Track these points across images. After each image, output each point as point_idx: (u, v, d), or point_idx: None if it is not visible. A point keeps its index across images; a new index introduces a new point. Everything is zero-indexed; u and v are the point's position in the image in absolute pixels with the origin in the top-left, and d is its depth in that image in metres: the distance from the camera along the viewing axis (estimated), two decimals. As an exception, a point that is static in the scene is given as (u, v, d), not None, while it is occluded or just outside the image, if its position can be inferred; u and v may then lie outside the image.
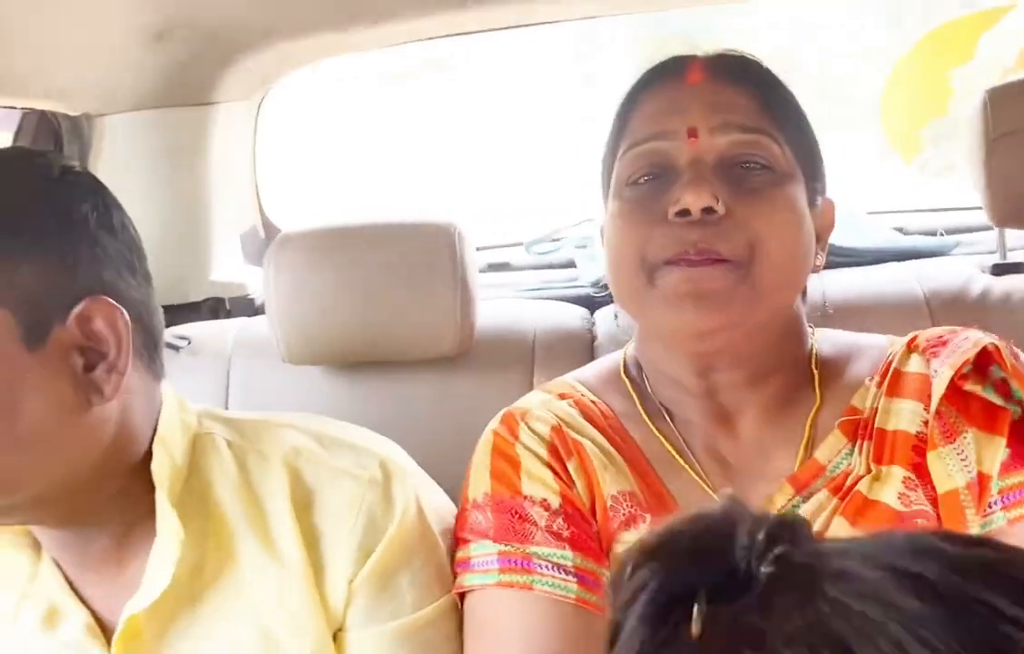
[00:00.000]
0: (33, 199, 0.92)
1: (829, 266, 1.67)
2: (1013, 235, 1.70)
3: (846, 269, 1.67)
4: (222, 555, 1.00)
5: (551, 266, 2.03)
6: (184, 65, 1.59)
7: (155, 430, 1.00)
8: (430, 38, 1.68)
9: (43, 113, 1.56)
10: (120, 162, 1.64)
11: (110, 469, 0.97)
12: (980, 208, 1.57)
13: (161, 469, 0.98)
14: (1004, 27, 2.73)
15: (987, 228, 1.70)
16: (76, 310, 0.91)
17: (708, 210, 0.94)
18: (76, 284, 0.92)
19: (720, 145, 0.98)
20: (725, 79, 1.01)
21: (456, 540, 1.05)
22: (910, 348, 1.04)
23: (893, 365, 1.03)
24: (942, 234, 1.94)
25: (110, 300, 0.93)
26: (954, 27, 2.93)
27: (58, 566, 1.02)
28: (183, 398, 1.07)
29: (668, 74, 1.04)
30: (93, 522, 0.98)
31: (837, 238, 1.73)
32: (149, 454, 0.99)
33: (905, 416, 0.99)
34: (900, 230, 2.00)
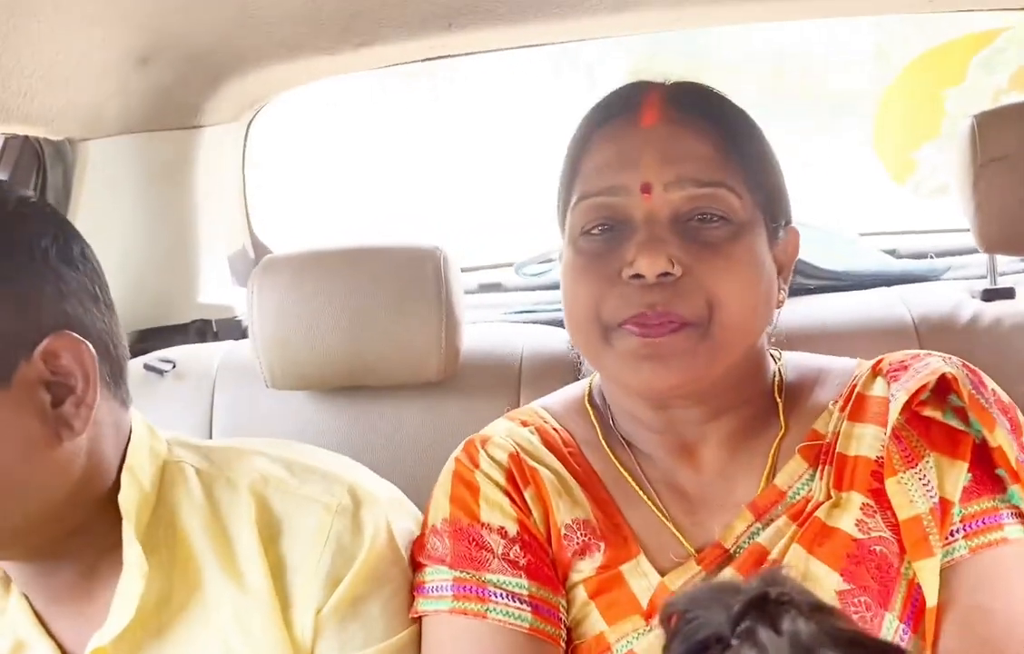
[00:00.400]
0: None
1: (817, 290, 1.69)
2: (1005, 259, 1.69)
3: (834, 294, 1.67)
4: (188, 585, 0.99)
5: (543, 287, 2.03)
6: (169, 89, 1.58)
7: (123, 458, 0.99)
8: (415, 61, 1.67)
9: (26, 137, 1.55)
10: (105, 186, 1.63)
11: (79, 501, 0.95)
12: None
13: (128, 500, 0.97)
14: (996, 49, 2.72)
15: (978, 251, 1.69)
16: (41, 346, 0.90)
17: (664, 273, 0.91)
18: (40, 320, 0.91)
19: (675, 200, 0.94)
20: (682, 121, 0.97)
21: (413, 563, 1.04)
22: (875, 371, 1.02)
23: (857, 389, 1.01)
24: (932, 257, 1.93)
25: (74, 335, 0.92)
26: (946, 49, 2.92)
27: (27, 600, 1.01)
28: (152, 425, 1.06)
29: (621, 114, 0.99)
30: (61, 555, 0.97)
31: (825, 261, 1.74)
32: (118, 484, 0.98)
33: (866, 441, 0.97)
34: (892, 252, 2.00)
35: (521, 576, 0.98)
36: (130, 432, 1.01)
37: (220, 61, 1.56)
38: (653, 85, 1.01)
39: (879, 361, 1.03)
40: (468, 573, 0.98)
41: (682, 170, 0.94)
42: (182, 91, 1.61)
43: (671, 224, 0.94)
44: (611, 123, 0.99)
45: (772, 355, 1.08)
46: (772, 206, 1.00)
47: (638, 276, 0.92)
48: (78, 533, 0.96)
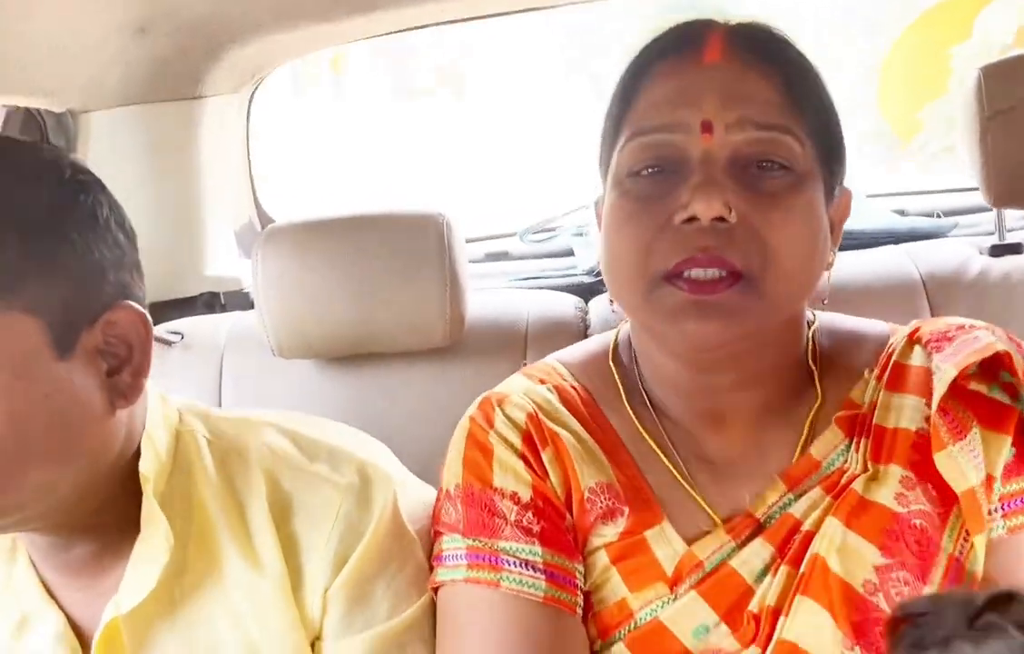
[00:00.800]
0: (60, 209, 0.88)
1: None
2: (1012, 215, 1.67)
3: (841, 253, 1.64)
4: (205, 558, 0.98)
5: (549, 254, 2.01)
6: (169, 59, 1.57)
7: (140, 431, 0.99)
8: (417, 27, 1.65)
9: (28, 109, 1.54)
10: (107, 158, 1.62)
11: (110, 471, 0.95)
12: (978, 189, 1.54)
13: (149, 469, 0.96)
14: (1001, 4, 2.68)
15: (986, 209, 1.67)
16: (104, 316, 0.90)
17: (719, 219, 0.87)
18: (103, 289, 0.91)
19: (736, 142, 0.89)
20: (746, 61, 0.91)
21: (433, 532, 1.03)
22: (912, 340, 0.99)
23: (894, 358, 0.98)
24: (939, 215, 1.92)
25: (134, 304, 0.93)
26: (951, 4, 2.88)
27: (35, 570, 1.00)
28: (164, 393, 1.05)
29: (682, 47, 0.93)
30: (81, 529, 0.97)
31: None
32: (135, 455, 0.97)
33: (906, 412, 0.95)
34: (900, 212, 1.98)
35: (535, 543, 0.96)
36: (145, 407, 1.01)
37: (218, 30, 1.55)
38: (716, 23, 0.95)
39: (916, 329, 1.00)
40: (481, 541, 0.97)
41: (745, 111, 0.89)
42: (182, 61, 1.60)
43: (729, 168, 0.89)
44: (671, 58, 0.94)
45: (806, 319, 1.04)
46: (832, 160, 0.95)
47: (692, 219, 0.87)
48: (97, 509, 0.96)
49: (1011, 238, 1.61)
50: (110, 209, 0.93)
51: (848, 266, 1.57)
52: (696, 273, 0.87)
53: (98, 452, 0.93)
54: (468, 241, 1.98)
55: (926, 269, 1.52)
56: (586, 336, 1.51)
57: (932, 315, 1.47)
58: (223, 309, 1.83)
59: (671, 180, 0.90)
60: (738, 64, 0.91)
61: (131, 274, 0.95)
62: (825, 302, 1.03)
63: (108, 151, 1.62)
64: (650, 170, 0.91)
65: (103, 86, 1.51)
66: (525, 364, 1.49)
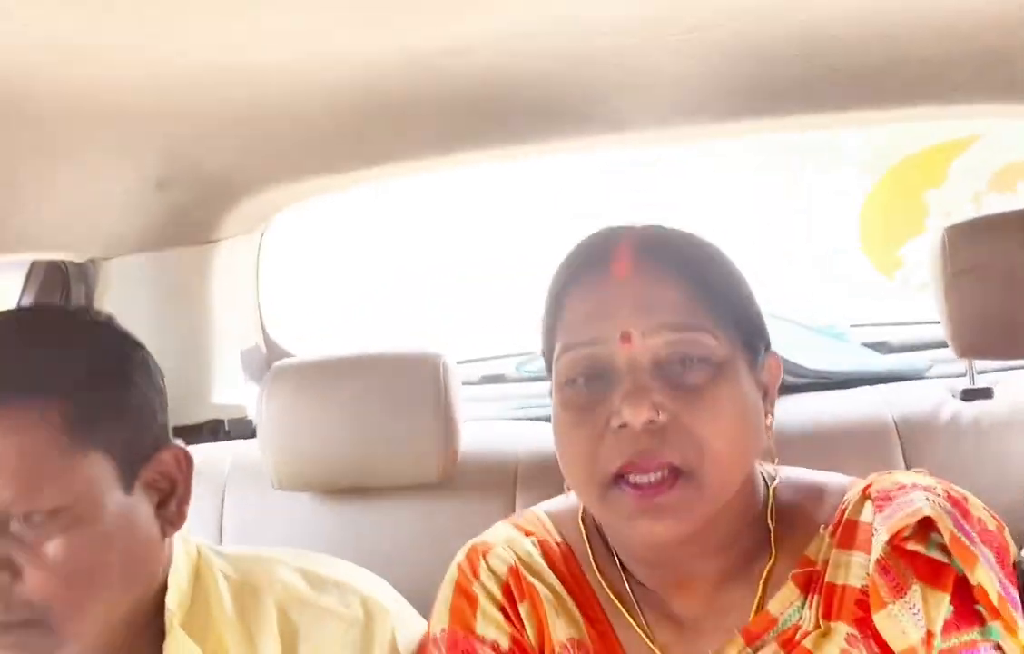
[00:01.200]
0: (123, 360, 1.02)
1: (798, 389, 1.72)
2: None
3: (816, 393, 1.69)
4: None
5: (544, 379, 2.05)
6: (185, 208, 1.64)
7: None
8: (417, 175, 1.75)
9: (51, 259, 1.62)
10: (125, 301, 1.69)
11: (143, 602, 1.03)
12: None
13: (174, 602, 1.04)
14: (973, 154, 2.78)
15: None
16: (157, 454, 1.01)
17: (651, 421, 0.92)
18: (155, 431, 1.02)
19: (654, 345, 0.95)
20: (652, 270, 0.98)
21: None
22: (864, 494, 1.03)
23: (846, 513, 1.02)
24: (920, 349, 1.95)
25: (179, 443, 1.05)
26: (926, 155, 2.98)
27: None
28: (182, 530, 1.12)
29: (595, 265, 1.00)
30: None
31: (810, 360, 1.77)
32: (161, 589, 1.05)
33: (853, 569, 0.98)
34: (883, 344, 2.02)
35: None
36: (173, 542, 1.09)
37: (232, 181, 1.64)
38: (623, 234, 1.02)
39: (869, 484, 1.03)
40: None
41: (658, 317, 0.95)
42: (197, 210, 1.68)
43: (653, 369, 0.94)
44: (586, 275, 1.00)
45: (764, 476, 1.08)
46: (749, 338, 1.01)
47: (625, 425, 0.93)
48: (126, 644, 1.03)
49: (981, 381, 1.63)
50: (153, 363, 1.06)
51: (823, 407, 1.62)
52: (639, 478, 0.93)
53: (152, 577, 1.02)
54: (463, 363, 2.04)
55: (899, 413, 1.55)
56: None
57: (904, 458, 1.50)
58: (227, 435, 1.88)
59: (603, 387, 0.95)
60: (647, 273, 0.97)
61: (165, 412, 1.07)
62: (775, 461, 1.08)
63: (125, 294, 1.70)
64: (583, 379, 0.97)
65: (122, 236, 1.59)
66: (515, 497, 1.55)
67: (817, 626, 0.97)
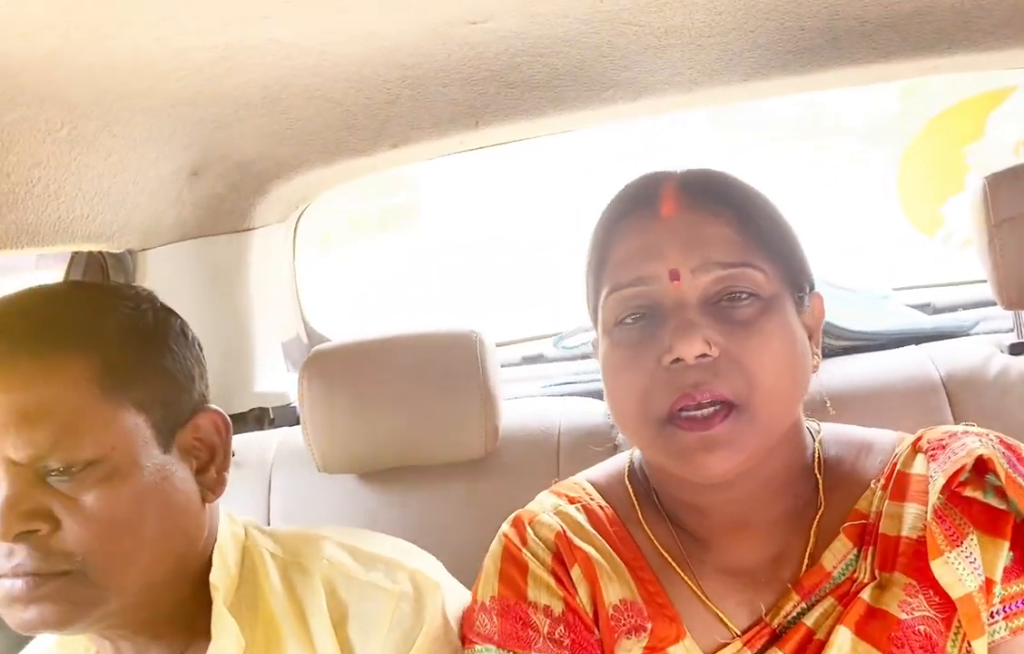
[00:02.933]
0: (160, 324, 1.05)
1: (844, 352, 1.69)
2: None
3: (862, 355, 1.66)
4: None
5: (583, 357, 2.04)
6: (220, 197, 1.65)
7: (213, 542, 1.08)
8: (446, 155, 1.74)
9: (90, 251, 1.64)
10: (164, 291, 1.66)
11: (187, 573, 1.05)
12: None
13: (218, 579, 1.05)
14: (1011, 106, 2.71)
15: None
16: (193, 418, 1.04)
17: (702, 355, 0.92)
18: (192, 394, 1.05)
19: (703, 283, 0.95)
20: (700, 208, 0.98)
21: (462, 639, 1.06)
22: (915, 448, 1.01)
23: (898, 467, 1.00)
24: (962, 309, 1.91)
25: (215, 408, 1.07)
26: (963, 107, 2.91)
27: None
28: (230, 511, 1.14)
29: (641, 206, 1.00)
30: (156, 635, 1.04)
31: (854, 322, 1.74)
32: (205, 567, 1.06)
33: (908, 521, 0.97)
34: (926, 305, 1.98)
35: None
36: (218, 520, 1.11)
37: (265, 169, 1.63)
38: (668, 175, 1.02)
39: (919, 437, 1.02)
40: (514, 652, 1.00)
41: (706, 254, 0.95)
42: (232, 199, 1.68)
43: (702, 306, 0.94)
44: (632, 215, 1.01)
45: (809, 429, 1.07)
46: (795, 276, 1.00)
47: (677, 360, 0.92)
48: (173, 615, 1.05)
49: (1032, 333, 1.60)
50: (192, 334, 1.09)
51: (870, 368, 1.60)
52: (692, 413, 0.92)
53: (192, 540, 1.04)
54: (503, 345, 2.04)
55: (946, 369, 1.52)
56: (615, 442, 1.54)
57: (953, 415, 1.47)
58: (272, 423, 1.89)
59: (653, 325, 0.96)
60: (693, 212, 0.98)
61: (207, 387, 1.09)
62: (831, 409, 1.08)
63: (164, 284, 1.67)
64: (632, 318, 0.97)
65: (159, 226, 1.60)
66: (558, 471, 1.54)
67: (873, 578, 0.96)
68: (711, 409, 0.92)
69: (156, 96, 1.22)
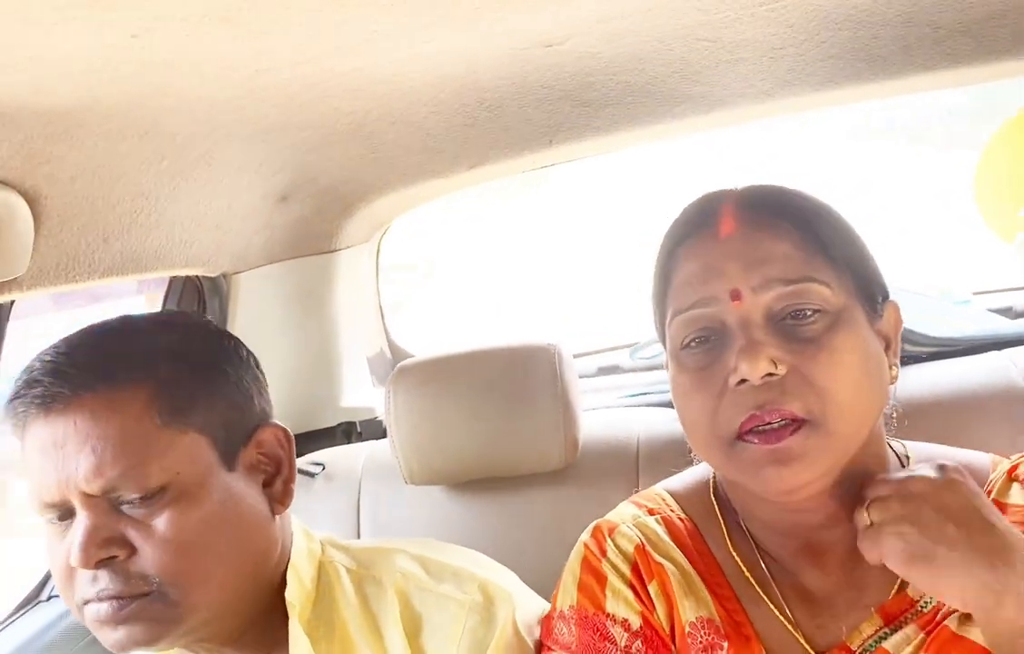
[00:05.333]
0: (212, 348, 1.07)
1: (924, 358, 1.65)
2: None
3: (942, 361, 1.62)
4: None
5: (659, 367, 2.04)
6: (307, 220, 1.69)
7: (288, 558, 1.10)
8: (521, 173, 1.76)
9: (187, 276, 1.70)
10: (256, 311, 1.76)
11: (263, 586, 1.07)
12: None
13: (294, 595, 1.06)
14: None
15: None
16: (255, 435, 1.06)
17: (769, 374, 0.90)
18: (252, 413, 1.07)
19: (766, 301, 0.93)
20: (759, 225, 0.96)
21: (540, 646, 1.06)
22: (1011, 477, 0.97)
23: (992, 495, 0.96)
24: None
25: (277, 422, 1.09)
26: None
27: None
28: (307, 527, 1.15)
29: (699, 227, 0.99)
30: (240, 647, 1.07)
31: (934, 328, 1.70)
32: (283, 581, 1.08)
33: None
34: (1007, 310, 1.93)
35: None
36: (292, 534, 1.12)
37: (350, 192, 1.67)
38: (726, 194, 1.01)
39: (1015, 466, 0.98)
40: None
41: (767, 272, 0.93)
42: (318, 221, 1.73)
43: (766, 325, 0.92)
44: (692, 237, 0.99)
45: (894, 448, 1.03)
46: (865, 286, 0.97)
47: (744, 381, 0.90)
48: (254, 627, 1.07)
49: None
50: (248, 353, 1.11)
51: (951, 374, 1.55)
52: (762, 428, 0.90)
53: (264, 553, 1.06)
54: (579, 356, 2.05)
55: None
56: (692, 451, 1.54)
57: (1038, 423, 1.41)
58: (359, 437, 1.93)
59: (718, 346, 0.94)
60: (752, 230, 0.96)
61: (268, 403, 1.11)
62: (900, 419, 1.04)
63: (256, 305, 1.76)
64: (696, 341, 0.96)
65: (250, 249, 1.65)
66: (637, 481, 1.54)
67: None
68: (781, 423, 0.89)
69: (249, 126, 1.26)
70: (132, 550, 0.97)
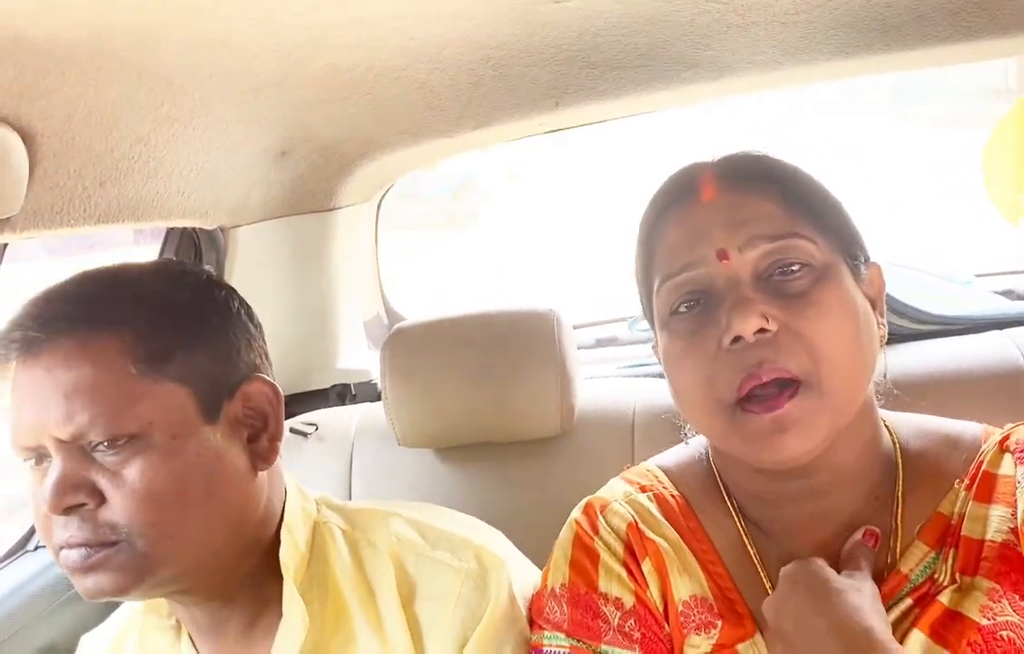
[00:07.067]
0: (199, 299, 1.05)
1: (924, 336, 1.64)
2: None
3: (943, 339, 1.61)
4: (341, 638, 1.05)
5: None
6: (306, 177, 1.67)
7: (281, 517, 1.09)
8: (525, 136, 1.74)
9: (184, 228, 1.68)
10: (252, 267, 1.74)
11: (250, 546, 1.05)
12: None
13: (288, 556, 1.05)
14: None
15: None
16: (241, 388, 1.04)
17: (761, 331, 0.89)
18: (238, 366, 1.05)
19: (752, 259, 0.93)
20: (742, 188, 0.96)
21: (531, 622, 1.05)
22: (1003, 447, 0.96)
23: (983, 467, 0.95)
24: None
25: (265, 377, 1.07)
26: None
27: (195, 649, 1.10)
28: (302, 486, 1.14)
29: (683, 195, 0.99)
30: (229, 603, 1.06)
31: (935, 306, 1.69)
32: (276, 540, 1.07)
33: (993, 523, 0.92)
34: (1010, 292, 1.92)
35: (635, 649, 0.97)
36: (285, 493, 1.11)
37: (350, 150, 1.65)
38: (705, 163, 1.01)
39: (1006, 436, 0.97)
40: (584, 643, 0.98)
41: (752, 230, 0.93)
42: (317, 178, 1.71)
43: (754, 283, 0.92)
44: (675, 205, 0.99)
45: (887, 424, 1.02)
46: (848, 245, 0.97)
47: (737, 339, 0.89)
48: (244, 585, 1.06)
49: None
50: (240, 304, 1.08)
51: (951, 353, 1.55)
52: (761, 394, 0.89)
53: (243, 509, 1.04)
54: (578, 327, 2.04)
55: None
56: (685, 426, 1.53)
57: (1038, 403, 1.41)
58: (353, 399, 1.92)
59: (707, 309, 0.93)
60: (735, 192, 0.96)
61: (260, 357, 1.08)
62: (901, 396, 1.04)
63: (253, 261, 1.74)
64: (686, 305, 0.95)
65: (248, 204, 1.63)
66: (632, 451, 1.53)
67: (953, 581, 0.91)
68: (779, 386, 0.89)
69: (246, 77, 1.24)
70: (102, 498, 0.96)
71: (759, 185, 0.96)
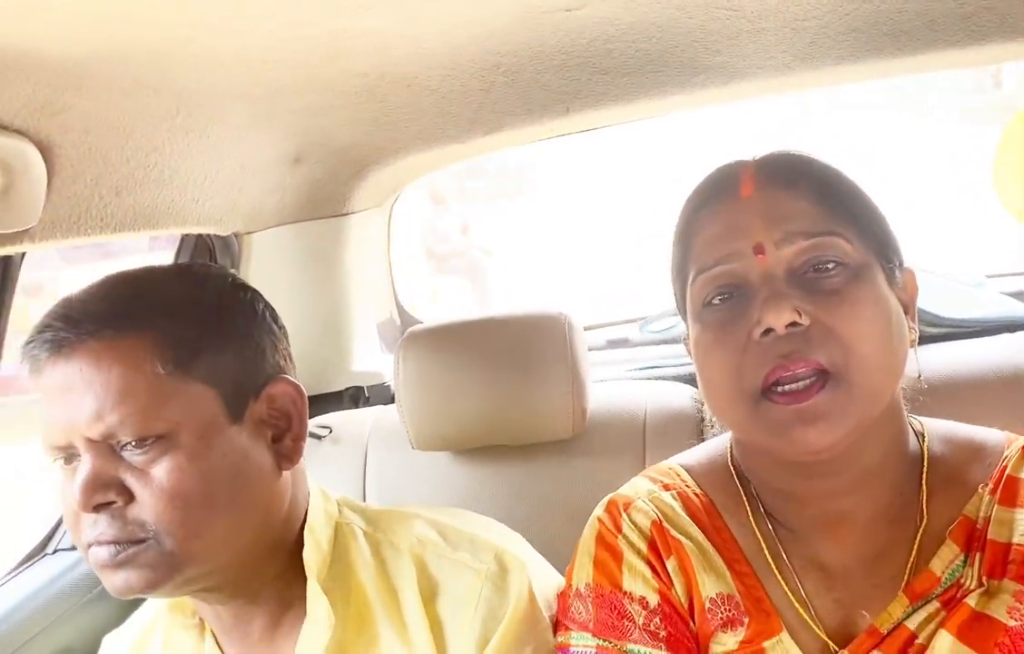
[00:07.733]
0: (224, 301, 1.06)
1: (937, 339, 1.64)
2: None
3: (955, 342, 1.61)
4: (364, 638, 1.07)
5: (667, 342, 2.03)
6: (319, 182, 1.68)
7: (304, 517, 1.10)
8: (536, 141, 1.74)
9: (198, 234, 1.69)
10: (267, 272, 1.75)
11: (275, 545, 1.07)
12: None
13: (311, 557, 1.07)
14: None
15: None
16: (266, 389, 1.05)
17: (792, 324, 0.90)
18: (264, 367, 1.06)
19: (788, 255, 0.93)
20: (780, 186, 0.97)
21: (557, 623, 1.05)
22: None
23: (1008, 471, 0.96)
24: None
25: (290, 378, 1.08)
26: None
27: (219, 648, 1.11)
28: (324, 488, 1.16)
29: (722, 191, 1.00)
30: (254, 601, 1.07)
31: (947, 309, 1.69)
32: (299, 540, 1.08)
33: (1019, 527, 0.93)
34: (1020, 294, 1.91)
35: (662, 648, 0.97)
36: (308, 494, 1.12)
37: (363, 156, 1.66)
38: (745, 161, 1.02)
39: None
40: (610, 642, 0.99)
41: (789, 226, 0.94)
42: (331, 184, 1.72)
43: (789, 278, 0.92)
44: (714, 201, 1.00)
45: (913, 426, 1.03)
46: (884, 248, 0.97)
47: (768, 331, 0.90)
48: (269, 584, 1.07)
49: None
50: (265, 306, 1.10)
51: (963, 356, 1.55)
52: (789, 386, 0.90)
53: (269, 508, 1.05)
54: (589, 328, 2.04)
55: None
56: (702, 426, 1.54)
57: (1049, 406, 1.40)
58: (367, 402, 1.93)
59: (741, 302, 0.94)
60: (772, 190, 0.97)
61: (285, 359, 1.10)
62: (915, 398, 1.04)
63: (267, 265, 1.75)
64: (720, 298, 0.96)
65: (263, 210, 1.64)
66: (644, 453, 1.53)
67: (980, 584, 0.92)
68: (806, 382, 0.89)
69: (260, 85, 1.25)
70: (131, 497, 0.98)
71: (797, 183, 0.97)
